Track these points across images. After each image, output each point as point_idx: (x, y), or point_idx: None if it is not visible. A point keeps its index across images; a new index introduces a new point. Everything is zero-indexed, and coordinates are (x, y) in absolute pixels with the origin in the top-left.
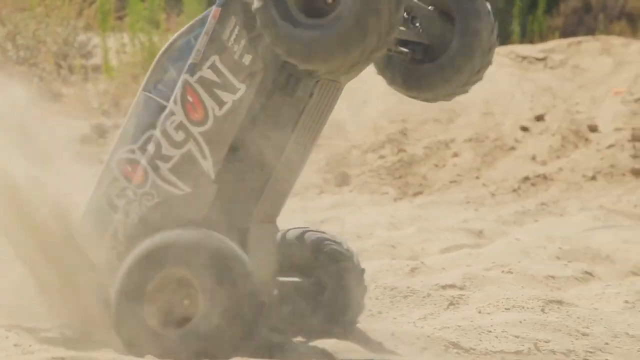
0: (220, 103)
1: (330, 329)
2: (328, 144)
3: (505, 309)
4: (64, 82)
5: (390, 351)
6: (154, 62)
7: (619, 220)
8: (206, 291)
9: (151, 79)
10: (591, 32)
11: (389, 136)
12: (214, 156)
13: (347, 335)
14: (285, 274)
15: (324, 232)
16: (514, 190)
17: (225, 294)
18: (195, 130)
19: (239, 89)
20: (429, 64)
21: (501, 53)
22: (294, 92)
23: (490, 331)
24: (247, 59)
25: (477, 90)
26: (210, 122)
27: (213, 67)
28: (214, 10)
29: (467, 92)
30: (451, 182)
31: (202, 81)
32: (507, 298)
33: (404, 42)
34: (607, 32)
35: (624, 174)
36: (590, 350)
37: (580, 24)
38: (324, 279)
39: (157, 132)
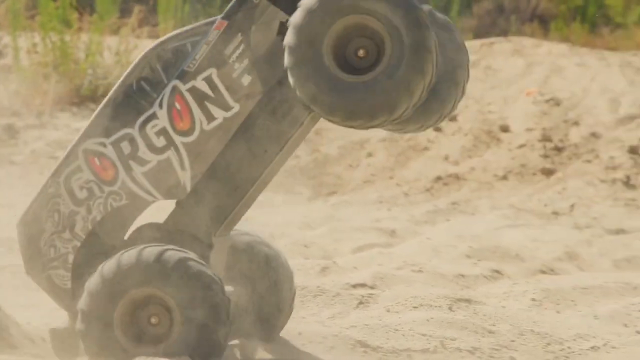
0: (210, 117)
1: (260, 332)
2: None
3: (414, 307)
4: None
5: (297, 350)
6: (139, 57)
7: (529, 219)
8: (181, 309)
9: (133, 75)
10: (504, 33)
11: None
12: (194, 169)
13: (274, 338)
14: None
15: (255, 235)
16: (427, 190)
17: (200, 311)
18: (179, 139)
19: (232, 107)
20: None
21: None
22: (283, 119)
23: (397, 330)
24: (246, 80)
25: None
26: (195, 134)
27: (208, 80)
28: (219, 21)
29: (437, 126)
30: (365, 182)
31: (194, 91)
32: (416, 297)
33: None
34: (520, 33)
35: (534, 174)
36: (496, 347)
37: (494, 26)
38: (256, 283)
39: (134, 132)
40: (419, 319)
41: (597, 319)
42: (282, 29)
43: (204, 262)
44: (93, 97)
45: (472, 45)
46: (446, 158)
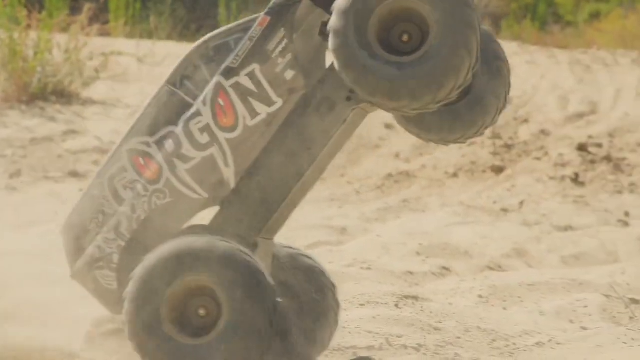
0: (253, 113)
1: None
2: None
3: (360, 305)
4: None
5: None
6: (182, 58)
7: (479, 216)
8: (232, 303)
9: (178, 74)
10: None
11: None
12: (238, 165)
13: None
14: None
15: (296, 248)
16: (378, 188)
17: (252, 307)
18: (222, 135)
19: (275, 102)
20: (457, 104)
21: None
22: (326, 116)
23: (344, 327)
24: (289, 75)
25: None
26: (239, 130)
27: (251, 76)
28: (262, 17)
29: (481, 135)
30: None
31: (237, 87)
32: (363, 294)
33: None
34: None
35: (484, 171)
36: (441, 344)
37: None
38: (303, 298)
39: (178, 130)
40: (365, 317)
41: (543, 315)
42: (324, 29)
43: (255, 258)
44: (42, 94)
45: None
46: (397, 156)
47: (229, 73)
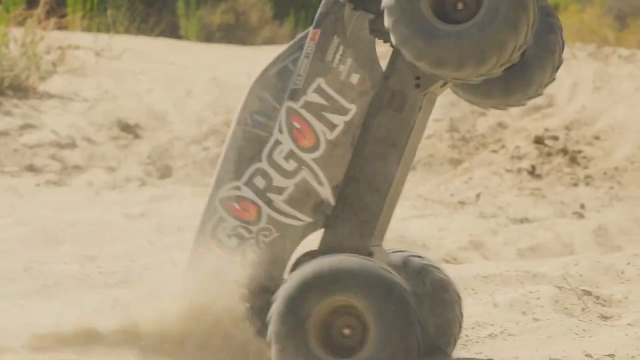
0: (331, 126)
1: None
2: (150, 136)
3: None
4: None
5: None
6: (245, 95)
7: (436, 209)
8: (380, 321)
9: (245, 112)
10: None
11: (212, 128)
12: (331, 181)
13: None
14: None
15: (424, 257)
16: None
17: (399, 324)
18: (307, 157)
19: (349, 109)
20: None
21: None
22: (401, 108)
23: None
24: (354, 79)
25: None
26: (322, 147)
27: (319, 90)
28: (312, 32)
29: (540, 94)
30: None
31: (308, 106)
32: None
33: None
34: None
35: (442, 164)
36: None
37: None
38: (425, 305)
39: (263, 165)
40: None
41: (496, 307)
42: (372, 25)
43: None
44: None
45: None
46: None
47: (296, 95)
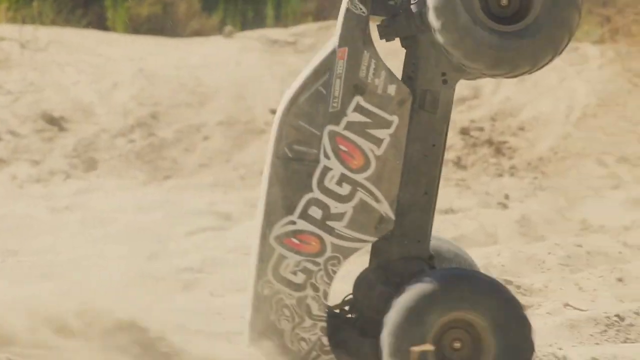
0: (377, 142)
1: None
2: (76, 128)
3: (237, 291)
4: None
5: None
6: (276, 128)
7: None
8: (502, 338)
9: (282, 145)
10: None
11: (139, 120)
12: (388, 196)
13: None
14: None
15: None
16: (263, 173)
17: (521, 342)
18: (360, 177)
19: (392, 121)
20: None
21: (252, 37)
22: (434, 107)
23: (219, 313)
24: (392, 90)
25: (227, 74)
26: (373, 165)
27: (359, 109)
28: (339, 50)
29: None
30: (201, 165)
31: (351, 126)
32: (241, 280)
33: None
34: None
35: None
36: None
37: (333, 8)
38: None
39: (316, 194)
40: (242, 303)
41: None
42: (382, 30)
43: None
44: None
45: (309, 28)
46: None
47: (336, 117)
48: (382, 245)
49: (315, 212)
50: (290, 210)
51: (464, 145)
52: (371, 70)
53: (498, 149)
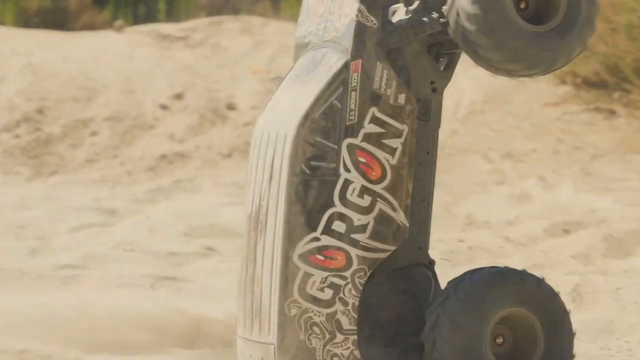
0: (392, 151)
1: None
2: None
3: (117, 287)
4: None
5: None
6: (289, 145)
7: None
8: (549, 333)
9: (297, 162)
10: (236, 12)
11: (25, 115)
12: (402, 204)
13: None
14: None
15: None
16: (151, 169)
17: (567, 335)
18: (379, 187)
19: (403, 130)
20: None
21: (143, 32)
22: (427, 115)
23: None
24: (402, 99)
25: (117, 69)
26: (389, 174)
27: (374, 120)
28: (353, 64)
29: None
30: (88, 161)
31: (369, 138)
32: (121, 276)
33: None
34: (251, 12)
35: None
36: None
37: (226, 4)
38: None
39: (338, 208)
40: (121, 298)
41: None
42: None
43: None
44: None
45: (201, 23)
46: (172, 136)
47: (354, 131)
48: (390, 255)
49: (339, 227)
50: (313, 227)
51: None
52: (384, 81)
53: None
